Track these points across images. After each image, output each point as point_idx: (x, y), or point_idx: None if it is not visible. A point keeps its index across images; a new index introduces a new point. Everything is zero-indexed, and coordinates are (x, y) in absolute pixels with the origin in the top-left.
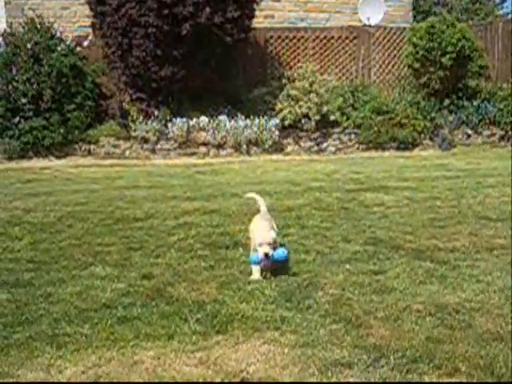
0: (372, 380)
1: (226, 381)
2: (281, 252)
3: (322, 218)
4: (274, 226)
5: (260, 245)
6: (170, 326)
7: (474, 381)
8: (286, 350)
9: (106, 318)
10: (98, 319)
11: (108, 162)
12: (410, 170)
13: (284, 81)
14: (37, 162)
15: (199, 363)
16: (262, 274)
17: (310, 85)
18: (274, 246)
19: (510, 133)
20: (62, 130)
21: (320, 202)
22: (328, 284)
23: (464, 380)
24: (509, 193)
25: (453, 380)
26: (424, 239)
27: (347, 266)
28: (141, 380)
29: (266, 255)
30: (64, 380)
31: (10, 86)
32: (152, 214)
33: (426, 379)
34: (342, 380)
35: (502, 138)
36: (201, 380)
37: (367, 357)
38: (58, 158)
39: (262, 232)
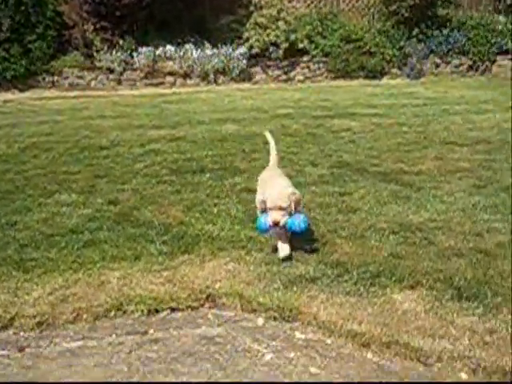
0: (335, 294)
1: (193, 297)
2: (297, 221)
3: (289, 143)
4: (289, 182)
5: (269, 208)
6: (136, 247)
7: (434, 293)
8: (251, 268)
9: (73, 243)
10: (64, 244)
11: (73, 93)
12: (378, 97)
13: (251, 8)
14: None
15: (166, 281)
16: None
17: (278, 12)
18: (290, 211)
19: (478, 63)
20: (23, 62)
21: (287, 129)
22: None
23: (425, 292)
24: (474, 120)
25: (415, 293)
26: (390, 163)
27: (313, 188)
28: (108, 299)
29: (276, 224)
30: (31, 301)
31: None
32: (118, 142)
33: (388, 292)
34: (306, 294)
35: (470, 67)
36: (166, 297)
37: (331, 272)
38: (21, 90)
39: (273, 191)
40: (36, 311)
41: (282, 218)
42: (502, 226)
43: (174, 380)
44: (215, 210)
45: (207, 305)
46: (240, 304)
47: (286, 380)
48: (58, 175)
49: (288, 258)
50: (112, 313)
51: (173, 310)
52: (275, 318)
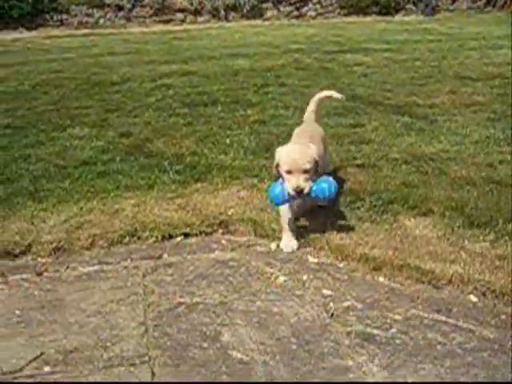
0: (348, 219)
1: (206, 223)
2: (326, 186)
3: (301, 77)
4: (318, 146)
5: (287, 171)
6: (149, 177)
7: (446, 220)
8: (264, 195)
9: (86, 174)
10: (78, 175)
11: (81, 31)
12: (392, 33)
13: None
14: (7, 35)
15: (179, 208)
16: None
17: None
18: (315, 176)
19: None
20: (30, 0)
21: (299, 63)
22: None
23: (437, 219)
24: (490, 55)
25: (427, 220)
26: (403, 96)
27: (326, 120)
28: (122, 225)
29: (300, 192)
30: (47, 228)
31: None
32: (129, 77)
33: (401, 219)
34: (319, 219)
35: (487, 2)
36: (180, 223)
37: (344, 199)
38: (28, 29)
39: (294, 150)
40: (52, 238)
41: (307, 184)
42: None
43: (188, 301)
44: (227, 141)
45: (220, 230)
46: (253, 229)
47: (298, 301)
48: (70, 110)
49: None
50: (127, 239)
51: (186, 235)
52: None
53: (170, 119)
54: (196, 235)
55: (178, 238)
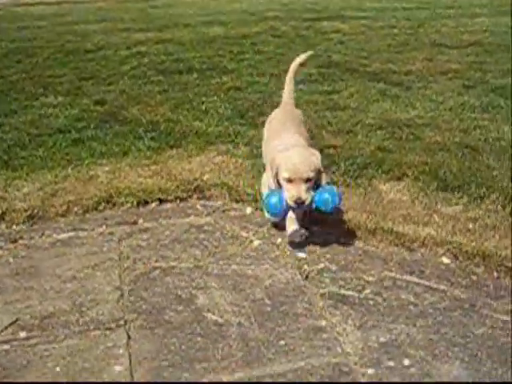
0: None
1: (181, 188)
2: (329, 195)
3: (277, 44)
4: (304, 135)
5: (287, 180)
6: (124, 144)
7: (420, 184)
8: (239, 161)
9: (60, 142)
10: (52, 143)
11: None
12: (369, 0)
13: None
14: None
15: (154, 174)
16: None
17: None
18: (317, 182)
19: None
20: None
21: (275, 30)
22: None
23: (410, 183)
24: (467, 23)
25: (401, 184)
26: (379, 63)
27: (301, 86)
28: (97, 192)
29: (301, 203)
30: (21, 196)
31: None
32: (103, 45)
33: (375, 183)
34: None
35: None
36: (155, 188)
37: None
38: None
39: (293, 155)
40: (27, 205)
41: (308, 195)
42: (490, 123)
43: (163, 265)
44: (203, 108)
45: (195, 196)
46: (228, 194)
47: (273, 264)
48: (43, 79)
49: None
50: (102, 205)
51: (161, 201)
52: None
53: (145, 87)
54: (171, 201)
55: (153, 204)
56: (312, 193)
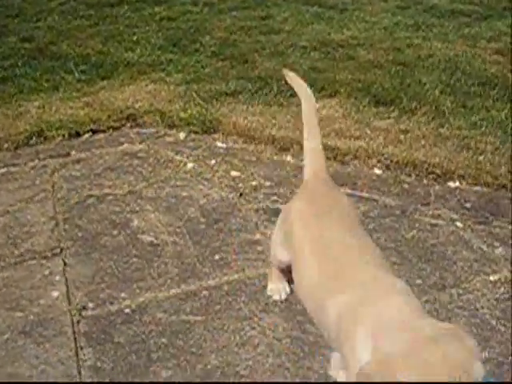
0: (255, 105)
1: (114, 118)
2: None
3: None
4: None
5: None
6: (54, 79)
7: (352, 100)
8: (171, 87)
9: None
10: None
11: None
12: None
13: None
14: None
15: (85, 106)
16: None
17: None
18: None
19: None
20: None
21: None
22: (215, 29)
23: (343, 100)
24: None
25: (333, 101)
26: None
27: (234, 13)
28: (28, 127)
29: None
30: None
31: None
32: None
33: None
34: (227, 107)
35: None
36: (87, 119)
37: (252, 86)
38: None
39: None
40: None
41: None
42: (423, 42)
43: (97, 193)
44: (134, 39)
45: (128, 124)
46: (161, 120)
47: (207, 184)
48: None
49: None
50: (33, 140)
51: (94, 131)
52: (196, 132)
53: (75, 22)
54: (104, 131)
55: (86, 135)
56: None
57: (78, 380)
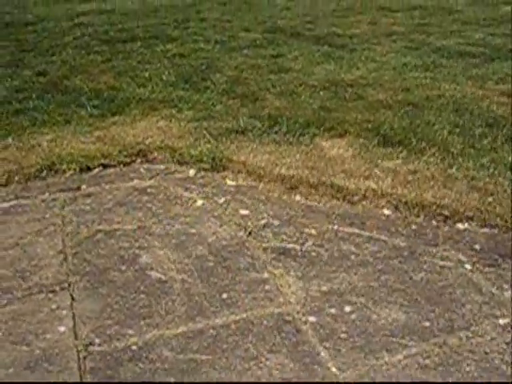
0: (265, 143)
1: (124, 153)
2: None
3: (223, 12)
4: None
5: None
6: (66, 112)
7: (361, 140)
8: (182, 124)
9: (1, 113)
10: None
11: None
12: None
13: None
14: None
15: (97, 140)
16: None
17: None
18: None
19: None
20: None
21: None
22: (226, 67)
23: (352, 140)
24: None
25: (343, 141)
26: (324, 27)
27: (246, 52)
28: (39, 160)
29: None
30: None
31: None
32: (44, 17)
33: (317, 140)
34: (236, 144)
35: None
36: (98, 154)
37: (261, 124)
38: None
39: None
40: None
41: None
42: (432, 82)
43: (107, 228)
44: (146, 75)
45: (139, 160)
46: (171, 157)
47: (216, 222)
48: None
49: None
50: (44, 173)
51: (105, 166)
52: (206, 169)
53: (88, 57)
54: (114, 166)
55: (97, 170)
56: None
57: None
